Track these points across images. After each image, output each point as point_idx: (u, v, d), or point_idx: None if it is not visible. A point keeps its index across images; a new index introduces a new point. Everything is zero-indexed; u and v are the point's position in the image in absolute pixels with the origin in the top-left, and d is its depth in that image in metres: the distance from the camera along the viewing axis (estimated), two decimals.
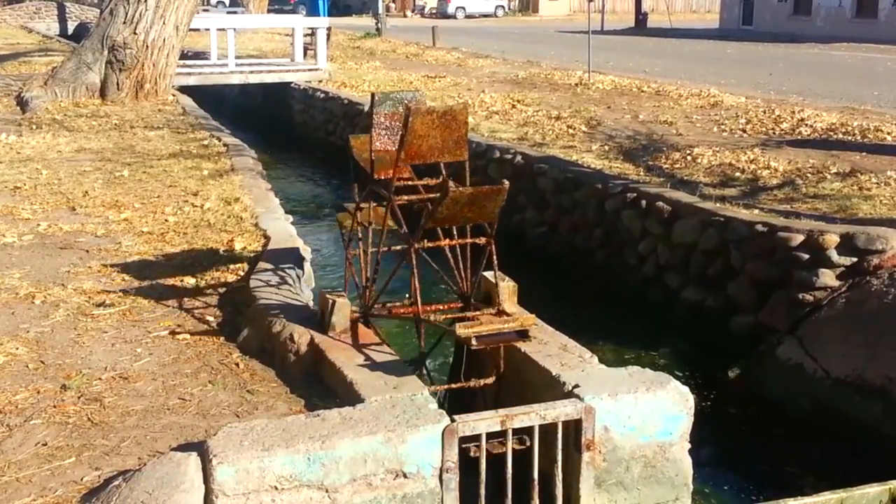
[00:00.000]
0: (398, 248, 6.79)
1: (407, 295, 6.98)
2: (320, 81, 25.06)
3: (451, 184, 6.16)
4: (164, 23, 19.34)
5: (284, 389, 6.26)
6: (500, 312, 6.46)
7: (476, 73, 27.21)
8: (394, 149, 6.48)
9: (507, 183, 6.09)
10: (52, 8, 53.02)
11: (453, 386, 6.77)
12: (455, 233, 6.64)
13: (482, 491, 5.42)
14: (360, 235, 7.00)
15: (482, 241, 6.53)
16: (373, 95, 6.78)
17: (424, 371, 6.79)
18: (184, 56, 24.03)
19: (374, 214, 6.87)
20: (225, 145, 15.00)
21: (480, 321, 6.16)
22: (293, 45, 27.40)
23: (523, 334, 5.97)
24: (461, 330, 5.88)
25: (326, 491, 4.99)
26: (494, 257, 6.48)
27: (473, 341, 5.82)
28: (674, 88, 21.98)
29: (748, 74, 26.14)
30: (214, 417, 5.83)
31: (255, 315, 7.15)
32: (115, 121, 16.97)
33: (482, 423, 5.35)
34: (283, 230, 9.74)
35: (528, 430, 5.46)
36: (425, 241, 6.44)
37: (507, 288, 6.87)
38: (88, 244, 9.38)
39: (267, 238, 9.37)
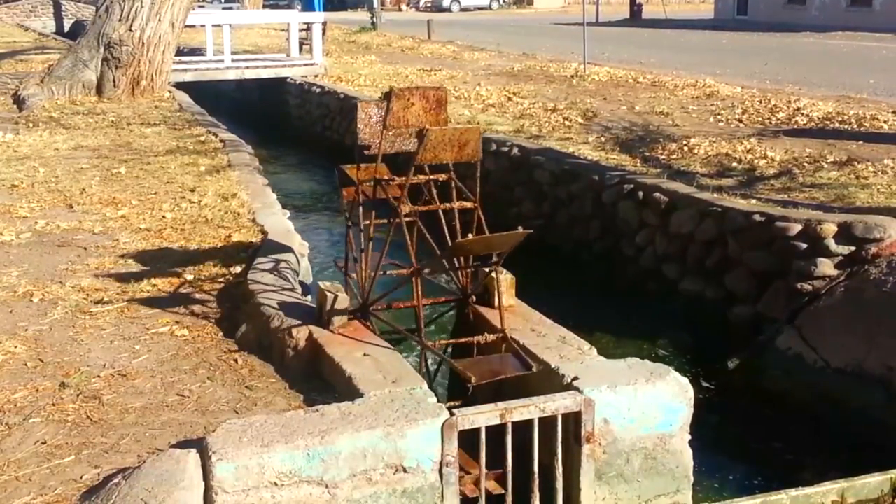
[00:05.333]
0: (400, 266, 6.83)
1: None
2: (316, 76, 25.03)
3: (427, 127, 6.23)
4: (159, 19, 19.31)
5: (283, 385, 6.25)
6: (502, 338, 6.38)
7: (472, 65, 27.19)
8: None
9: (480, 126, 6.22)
10: (49, 6, 52.94)
11: (456, 341, 6.75)
12: (446, 231, 6.65)
13: (482, 485, 5.42)
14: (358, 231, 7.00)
15: (469, 205, 6.58)
16: (356, 105, 6.85)
17: (423, 366, 6.78)
18: (180, 52, 23.99)
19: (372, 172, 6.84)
20: (221, 141, 14.98)
21: (482, 359, 6.15)
22: (289, 40, 27.36)
23: (528, 367, 5.94)
24: (462, 369, 5.91)
25: (326, 486, 4.99)
26: (483, 221, 6.49)
27: (473, 381, 5.82)
28: (669, 79, 21.98)
29: (744, 64, 26.11)
30: (213, 414, 5.82)
31: (253, 311, 7.14)
32: (112, 118, 16.94)
33: (481, 416, 5.35)
34: (281, 225, 9.73)
35: (527, 423, 5.46)
36: (413, 207, 6.49)
37: (504, 280, 6.86)
38: (86, 241, 9.37)
39: (264, 233, 9.36)
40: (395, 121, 6.43)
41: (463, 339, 6.59)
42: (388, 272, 7.10)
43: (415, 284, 6.35)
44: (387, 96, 6.44)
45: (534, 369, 5.88)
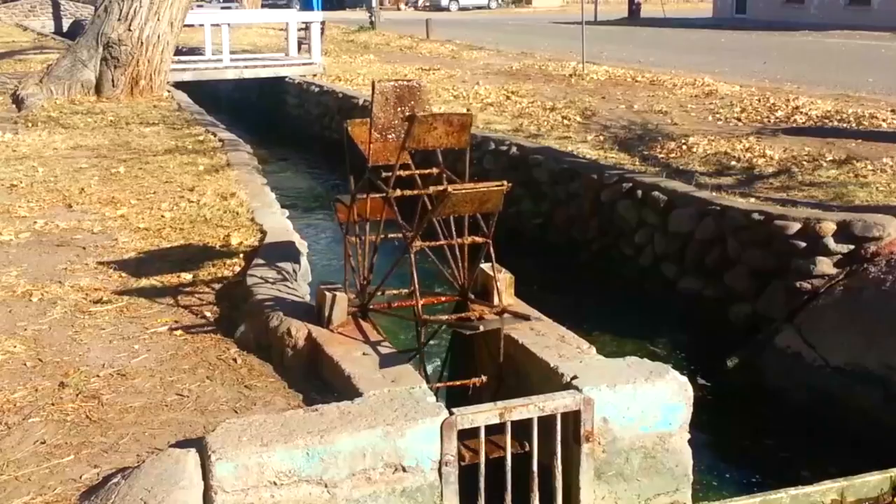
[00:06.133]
0: (396, 236, 6.75)
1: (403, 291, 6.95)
2: (315, 75, 25.05)
3: (449, 187, 6.07)
4: (158, 19, 19.33)
5: (282, 384, 6.25)
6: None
7: (470, 64, 27.19)
8: (393, 138, 6.53)
9: (507, 184, 6.10)
10: (47, 5, 52.97)
11: (453, 384, 6.72)
12: (453, 230, 6.60)
13: (482, 484, 5.41)
14: (357, 230, 6.96)
15: (480, 240, 6.53)
16: (374, 83, 6.72)
17: (422, 368, 6.75)
18: (178, 52, 23.99)
19: (371, 206, 6.82)
20: (220, 140, 14.98)
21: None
22: (287, 39, 27.38)
23: (526, 318, 5.96)
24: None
25: (325, 486, 4.98)
26: (493, 255, 6.47)
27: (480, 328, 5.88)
28: (668, 78, 21.97)
29: (742, 63, 26.10)
30: (213, 413, 5.82)
31: (252, 310, 7.14)
32: (111, 117, 16.94)
33: (481, 415, 5.34)
34: (280, 225, 9.73)
35: (526, 423, 5.45)
36: (422, 243, 6.41)
37: (504, 280, 6.85)
38: (85, 241, 9.37)
39: (263, 233, 9.36)
40: (414, 143, 6.28)
41: (459, 383, 6.58)
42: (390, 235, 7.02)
43: (411, 258, 6.31)
44: (409, 120, 6.25)
45: (531, 319, 5.90)
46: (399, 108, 6.65)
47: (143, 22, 19.19)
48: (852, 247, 9.39)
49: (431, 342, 7.24)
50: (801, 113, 16.51)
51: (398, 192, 6.49)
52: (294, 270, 8.18)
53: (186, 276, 8.26)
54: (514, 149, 14.58)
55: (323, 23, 28.00)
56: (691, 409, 5.88)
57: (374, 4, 47.79)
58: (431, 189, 5.95)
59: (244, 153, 14.19)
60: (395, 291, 6.97)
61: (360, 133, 6.93)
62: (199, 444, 4.95)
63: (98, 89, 19.38)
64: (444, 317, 6.74)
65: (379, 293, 6.86)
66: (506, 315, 6.25)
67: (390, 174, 6.49)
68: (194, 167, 12.88)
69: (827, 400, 8.57)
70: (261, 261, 8.19)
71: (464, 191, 5.99)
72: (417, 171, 6.73)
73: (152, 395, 6.08)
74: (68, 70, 19.50)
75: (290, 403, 5.93)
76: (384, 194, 6.47)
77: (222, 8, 49.25)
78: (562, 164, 13.52)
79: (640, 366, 5.96)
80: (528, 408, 5.45)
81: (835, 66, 25.36)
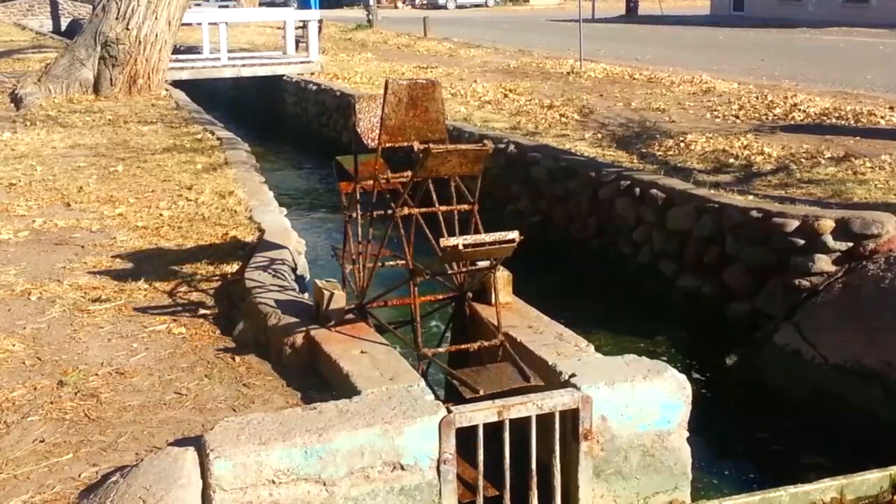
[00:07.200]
0: (397, 262, 6.81)
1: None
2: (312, 74, 25.05)
3: (460, 243, 6.03)
4: (156, 18, 19.33)
5: (280, 383, 6.25)
6: (500, 345, 6.37)
7: (468, 62, 27.18)
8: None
9: (519, 237, 6.06)
10: (46, 5, 52.99)
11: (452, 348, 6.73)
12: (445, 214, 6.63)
13: (480, 482, 5.42)
14: (359, 237, 6.95)
15: (466, 207, 6.55)
16: (387, 82, 6.66)
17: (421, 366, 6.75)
18: (176, 51, 24.00)
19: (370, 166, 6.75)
20: (218, 139, 14.97)
21: (481, 369, 6.15)
22: (285, 37, 27.38)
23: (526, 378, 5.94)
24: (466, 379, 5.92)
25: (324, 484, 4.98)
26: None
27: (482, 391, 5.84)
28: (666, 75, 21.96)
29: (740, 60, 26.11)
30: (211, 412, 5.82)
31: (250, 308, 7.13)
32: (109, 116, 16.93)
33: (479, 413, 5.34)
34: (278, 223, 9.73)
35: (525, 421, 5.45)
36: (425, 275, 6.43)
37: (502, 278, 6.85)
38: (83, 240, 9.36)
39: (261, 231, 9.35)
40: (426, 173, 6.21)
41: (460, 349, 6.55)
42: (387, 263, 7.05)
43: (412, 289, 6.32)
44: (423, 153, 6.11)
45: (532, 381, 5.85)
46: (412, 110, 6.60)
47: (140, 21, 19.20)
48: (851, 244, 9.38)
49: (431, 342, 7.25)
50: (800, 110, 16.51)
51: (406, 211, 6.48)
52: (292, 269, 8.18)
53: (184, 275, 8.25)
54: (511, 147, 14.57)
55: (320, 21, 27.97)
56: (690, 407, 5.89)
57: (371, 2, 47.74)
58: (441, 241, 5.91)
59: (242, 151, 14.19)
60: (396, 302, 6.96)
61: (368, 109, 6.91)
62: (198, 443, 4.95)
63: (96, 88, 19.38)
64: (443, 349, 6.72)
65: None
66: (506, 366, 6.18)
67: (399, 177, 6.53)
68: (192, 166, 12.88)
69: (826, 397, 8.56)
70: (259, 259, 8.19)
71: (473, 248, 5.92)
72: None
73: (151, 394, 6.08)
74: (66, 69, 19.49)
75: (289, 402, 5.93)
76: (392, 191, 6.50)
77: (220, 6, 49.31)
78: (560, 161, 13.51)
79: (638, 364, 5.96)
80: (526, 406, 5.45)
81: (833, 63, 25.35)
